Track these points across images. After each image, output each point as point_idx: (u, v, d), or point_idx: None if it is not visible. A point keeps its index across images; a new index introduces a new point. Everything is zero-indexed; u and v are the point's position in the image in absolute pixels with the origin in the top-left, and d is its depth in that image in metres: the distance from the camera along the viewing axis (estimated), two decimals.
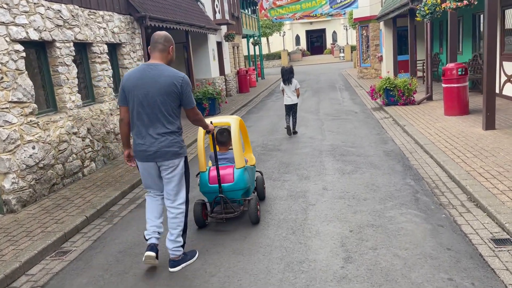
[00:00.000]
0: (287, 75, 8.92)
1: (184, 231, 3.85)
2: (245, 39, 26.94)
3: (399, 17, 17.21)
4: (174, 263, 3.73)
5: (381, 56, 20.65)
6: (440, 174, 5.89)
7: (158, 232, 3.78)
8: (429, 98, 12.10)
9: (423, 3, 9.60)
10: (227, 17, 17.17)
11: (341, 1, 19.68)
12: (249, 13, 26.98)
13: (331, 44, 54.79)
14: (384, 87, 11.92)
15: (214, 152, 4.43)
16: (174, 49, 3.68)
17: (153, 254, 3.64)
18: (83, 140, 6.96)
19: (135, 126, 3.60)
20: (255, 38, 26.92)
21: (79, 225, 4.95)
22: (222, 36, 18.23)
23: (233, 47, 20.75)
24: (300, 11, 20.35)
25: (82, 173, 6.88)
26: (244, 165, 4.53)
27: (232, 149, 4.63)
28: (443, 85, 9.53)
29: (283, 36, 48.37)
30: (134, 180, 6.55)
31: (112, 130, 8.01)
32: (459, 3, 7.25)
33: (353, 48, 43.68)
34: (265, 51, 50.68)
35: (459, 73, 9.24)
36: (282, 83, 9.07)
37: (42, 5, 6.17)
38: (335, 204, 4.99)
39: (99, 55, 7.71)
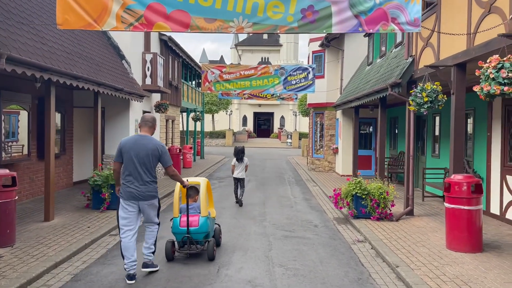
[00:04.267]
0: (240, 154, 10.67)
1: (155, 243, 5.50)
2: (186, 113, 23.86)
3: (361, 107, 14.97)
4: (145, 265, 5.38)
5: (337, 148, 18.17)
6: None
7: (135, 264, 5.18)
8: (410, 213, 9.13)
9: (419, 88, 6.88)
10: (160, 83, 14.03)
11: (296, 83, 17.33)
12: (193, 85, 24.24)
13: (279, 128, 53.54)
14: (353, 193, 8.84)
15: (186, 204, 5.92)
16: (156, 124, 6.02)
17: (134, 281, 5.09)
18: None
19: (125, 175, 5.20)
20: (197, 113, 23.94)
21: None
22: (152, 105, 14.89)
23: (167, 120, 17.41)
24: (250, 88, 17.66)
25: None
26: (207, 215, 6.07)
27: (195, 201, 6.26)
28: (447, 204, 6.53)
29: (229, 115, 46.25)
30: None
31: None
32: (506, 88, 4.40)
33: (301, 135, 42.16)
34: (209, 128, 48.10)
35: (472, 190, 6.34)
36: (234, 160, 10.71)
37: None
38: None
39: None
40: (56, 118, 11.35)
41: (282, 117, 57.62)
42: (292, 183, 15.47)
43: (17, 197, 6.54)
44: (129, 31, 5.73)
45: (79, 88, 8.78)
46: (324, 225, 8.55)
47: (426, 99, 6.73)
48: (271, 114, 58.81)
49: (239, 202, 10.56)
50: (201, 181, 6.20)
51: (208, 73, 17.35)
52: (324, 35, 18.08)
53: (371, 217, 8.74)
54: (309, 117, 21.27)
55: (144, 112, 14.16)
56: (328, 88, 18.59)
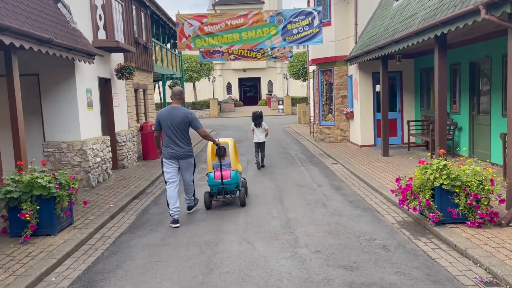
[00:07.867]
0: (258, 119, 11.00)
1: (194, 194, 6.91)
2: (162, 82, 19.89)
3: (389, 57, 11.40)
4: (189, 208, 6.91)
5: (352, 112, 14.68)
6: None
7: (178, 210, 6.27)
8: None
9: None
10: (119, 38, 10.14)
11: (298, 32, 13.56)
12: (169, 47, 20.20)
13: (267, 94, 49.58)
14: (436, 185, 5.40)
15: (219, 161, 7.02)
16: (184, 95, 6.88)
17: (178, 225, 6.17)
18: None
19: (166, 140, 6.37)
20: (175, 80, 20.03)
21: None
22: (112, 69, 11.03)
23: (136, 90, 13.57)
24: (239, 42, 13.83)
25: None
26: (236, 168, 7.27)
27: (224, 159, 7.25)
28: None
29: (213, 82, 42.00)
30: None
31: None
32: None
33: (294, 100, 38.50)
34: (191, 98, 43.99)
35: None
36: (253, 125, 11.12)
37: None
38: None
39: None
40: None
41: (270, 82, 53.55)
42: (304, 161, 12.00)
43: None
44: None
45: None
46: (398, 244, 5.11)
47: None
48: (258, 79, 54.61)
49: (258, 166, 10.93)
50: (229, 141, 7.47)
51: (185, 25, 13.49)
52: None
53: (467, 222, 5.37)
54: (312, 77, 17.62)
55: (100, 78, 10.32)
56: (336, 38, 14.88)
